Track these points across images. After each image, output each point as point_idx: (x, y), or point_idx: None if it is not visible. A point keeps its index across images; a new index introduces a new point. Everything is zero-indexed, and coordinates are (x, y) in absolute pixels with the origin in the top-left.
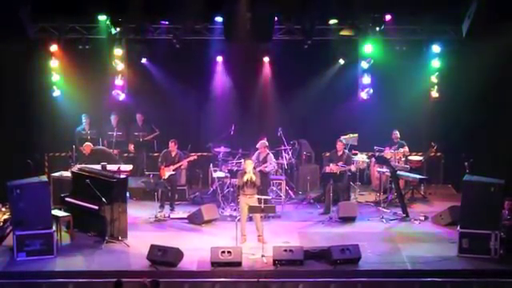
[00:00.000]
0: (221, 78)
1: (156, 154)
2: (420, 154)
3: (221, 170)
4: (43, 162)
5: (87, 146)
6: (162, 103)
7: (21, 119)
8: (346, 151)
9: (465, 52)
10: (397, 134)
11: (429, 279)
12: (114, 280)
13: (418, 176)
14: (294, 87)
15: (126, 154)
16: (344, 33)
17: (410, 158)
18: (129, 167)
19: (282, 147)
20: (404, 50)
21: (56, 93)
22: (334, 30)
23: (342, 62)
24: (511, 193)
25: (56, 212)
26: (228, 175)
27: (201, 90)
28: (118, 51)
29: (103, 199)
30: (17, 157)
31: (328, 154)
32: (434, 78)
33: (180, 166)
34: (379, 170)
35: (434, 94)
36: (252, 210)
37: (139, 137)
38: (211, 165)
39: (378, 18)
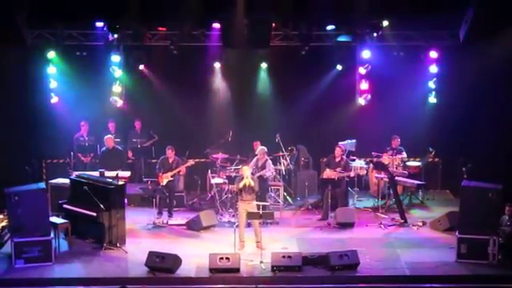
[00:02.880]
0: (218, 84)
1: (154, 161)
2: (418, 159)
3: (219, 176)
4: (41, 169)
5: (110, 139)
6: (159, 109)
7: (18, 126)
8: (344, 157)
9: (462, 57)
10: (397, 140)
11: (427, 285)
12: (119, 286)
13: (416, 182)
14: (291, 93)
15: (128, 161)
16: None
17: (408, 163)
18: (127, 174)
19: (280, 153)
20: (402, 55)
21: (54, 99)
22: (331, 36)
23: (339, 67)
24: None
25: (54, 219)
26: (226, 181)
27: (198, 96)
28: (115, 57)
29: (101, 206)
30: (15, 163)
31: (326, 160)
32: (431, 84)
33: (178, 172)
34: (377, 175)
35: (432, 99)
36: (250, 216)
37: (137, 143)
38: (209, 171)
39: (375, 24)
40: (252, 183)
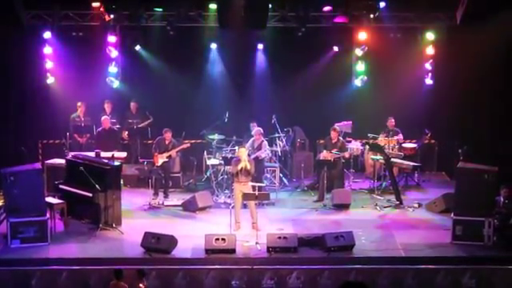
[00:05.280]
0: (215, 65)
1: (150, 142)
2: (414, 141)
3: (215, 158)
4: (37, 149)
5: (106, 120)
6: (155, 90)
7: (14, 106)
8: (341, 138)
9: (459, 39)
10: (392, 121)
11: (422, 266)
12: (114, 268)
13: (412, 163)
14: (288, 74)
15: (124, 142)
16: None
17: (404, 145)
18: (123, 154)
19: (276, 134)
20: (398, 37)
21: (50, 80)
22: (328, 17)
23: (336, 49)
24: (508, 180)
25: (50, 199)
26: (222, 162)
27: (195, 77)
28: (111, 38)
29: (97, 186)
30: (10, 144)
31: (322, 141)
32: (428, 65)
33: (170, 156)
34: (373, 157)
35: (428, 80)
36: (246, 197)
37: (133, 124)
38: (205, 152)
39: (372, 5)
40: (248, 166)
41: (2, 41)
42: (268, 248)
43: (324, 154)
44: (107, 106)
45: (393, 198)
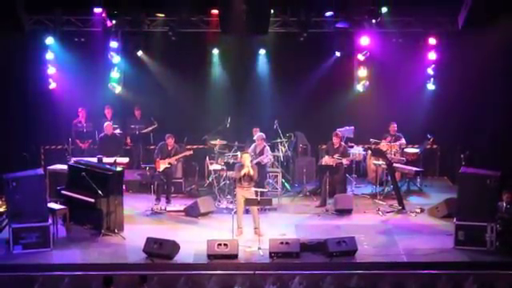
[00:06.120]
0: (217, 71)
1: (152, 147)
2: (416, 146)
3: (217, 163)
4: (39, 155)
5: (109, 126)
6: (157, 96)
7: (17, 112)
8: (343, 143)
9: (461, 44)
10: (394, 126)
11: (425, 271)
12: (104, 274)
13: (414, 168)
14: (289, 79)
15: (126, 147)
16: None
17: (406, 150)
18: (125, 160)
19: (278, 140)
20: (400, 42)
21: (52, 85)
22: (330, 23)
23: (338, 54)
24: (510, 185)
25: (52, 205)
26: (224, 168)
27: (197, 83)
28: (113, 44)
29: (99, 192)
30: (13, 149)
31: (324, 147)
32: (430, 70)
33: (170, 163)
34: (375, 162)
35: (431, 86)
36: (248, 202)
37: (136, 129)
38: (207, 157)
39: (373, 11)
40: (251, 172)
41: (3, 46)
42: (270, 253)
43: (326, 159)
44: (108, 112)
45: (395, 203)
